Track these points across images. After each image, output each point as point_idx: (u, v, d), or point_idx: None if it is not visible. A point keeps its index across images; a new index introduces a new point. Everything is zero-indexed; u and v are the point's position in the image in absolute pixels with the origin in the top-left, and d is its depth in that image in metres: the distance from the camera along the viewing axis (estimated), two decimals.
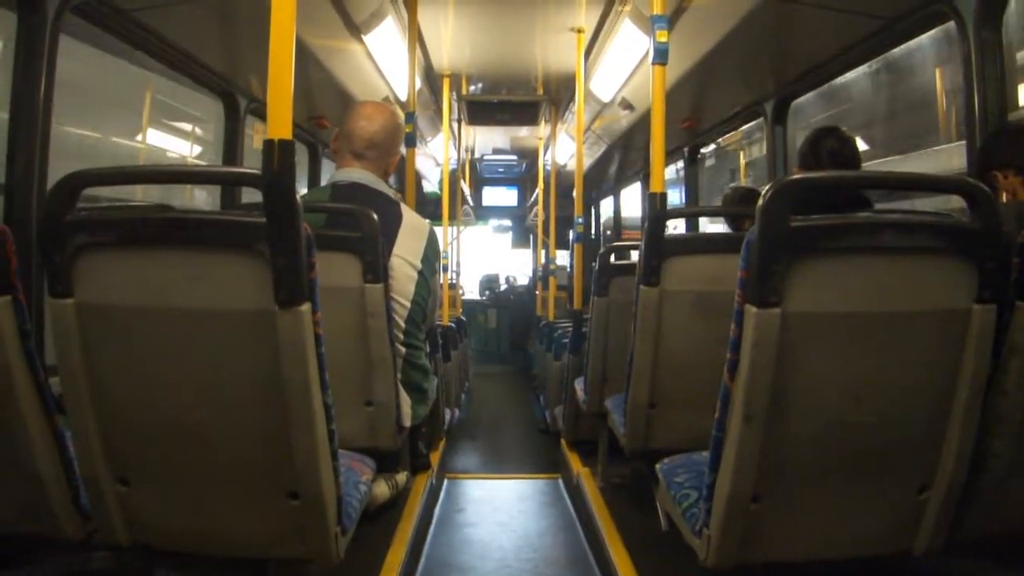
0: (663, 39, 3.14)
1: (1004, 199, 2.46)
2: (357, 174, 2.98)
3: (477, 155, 12.38)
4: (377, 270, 2.67)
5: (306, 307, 1.73)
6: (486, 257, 16.39)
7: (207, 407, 1.86)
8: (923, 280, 1.86)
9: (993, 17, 2.87)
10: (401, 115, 3.37)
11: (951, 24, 3.02)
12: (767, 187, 1.82)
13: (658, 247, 2.89)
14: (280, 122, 1.74)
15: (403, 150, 5.05)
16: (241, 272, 1.74)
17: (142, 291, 1.81)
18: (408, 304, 2.96)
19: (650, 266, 2.88)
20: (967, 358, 1.88)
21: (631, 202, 10.78)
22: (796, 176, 1.95)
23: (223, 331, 1.80)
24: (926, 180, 2.06)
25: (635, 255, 3.39)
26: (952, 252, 1.85)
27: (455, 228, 10.79)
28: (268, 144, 1.72)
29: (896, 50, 4.01)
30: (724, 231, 4.93)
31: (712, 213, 5.97)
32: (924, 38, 3.81)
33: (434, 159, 10.03)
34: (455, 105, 8.27)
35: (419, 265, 2.97)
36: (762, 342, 1.79)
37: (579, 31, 5.88)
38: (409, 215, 3.03)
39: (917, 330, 1.88)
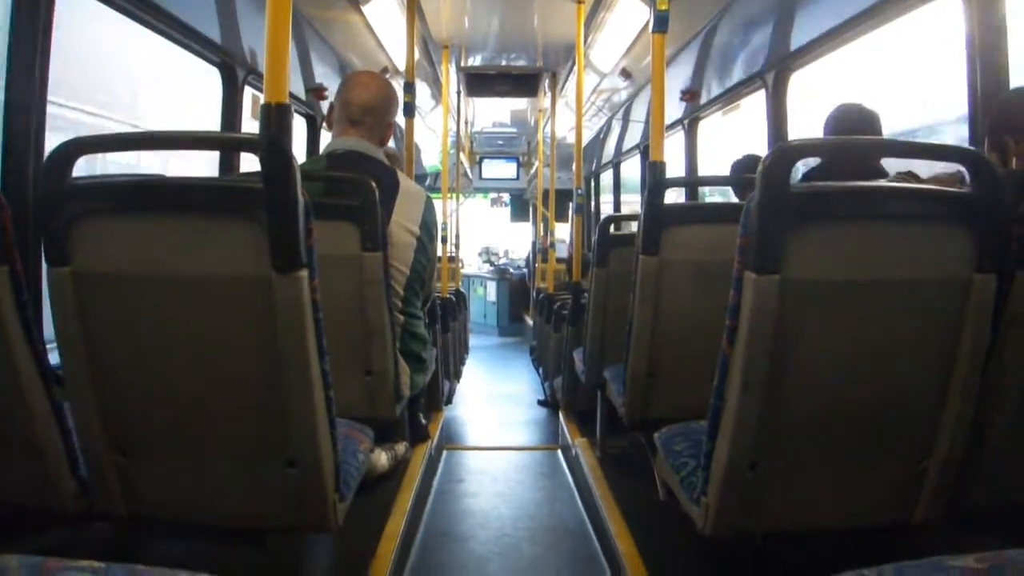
0: (664, 7, 3.12)
1: (1015, 164, 2.44)
2: (352, 141, 2.97)
3: (477, 128, 12.34)
4: (376, 238, 2.67)
5: (303, 273, 1.73)
6: (485, 231, 16.42)
7: (205, 374, 1.86)
8: (923, 249, 1.86)
9: None
10: (393, 83, 3.37)
11: None
12: (767, 154, 1.82)
13: (658, 217, 2.88)
14: (277, 86, 1.73)
15: (402, 121, 5.04)
16: (238, 238, 1.73)
17: (139, 258, 1.80)
18: (407, 271, 2.97)
19: (650, 236, 2.87)
20: (967, 328, 1.87)
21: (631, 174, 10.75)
22: (795, 141, 1.94)
23: (221, 298, 1.80)
24: (927, 148, 2.05)
25: (634, 226, 3.38)
26: (952, 221, 1.84)
27: (454, 200, 10.76)
28: (265, 108, 1.71)
29: None
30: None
31: (712, 183, 5.96)
32: None
33: (433, 131, 10.00)
34: (454, 76, 8.24)
35: (417, 231, 2.97)
36: (760, 309, 1.79)
37: (579, 1, 5.84)
38: (406, 182, 3.03)
39: (916, 299, 1.87)
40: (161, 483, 1.98)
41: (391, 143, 3.18)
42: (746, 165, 4.21)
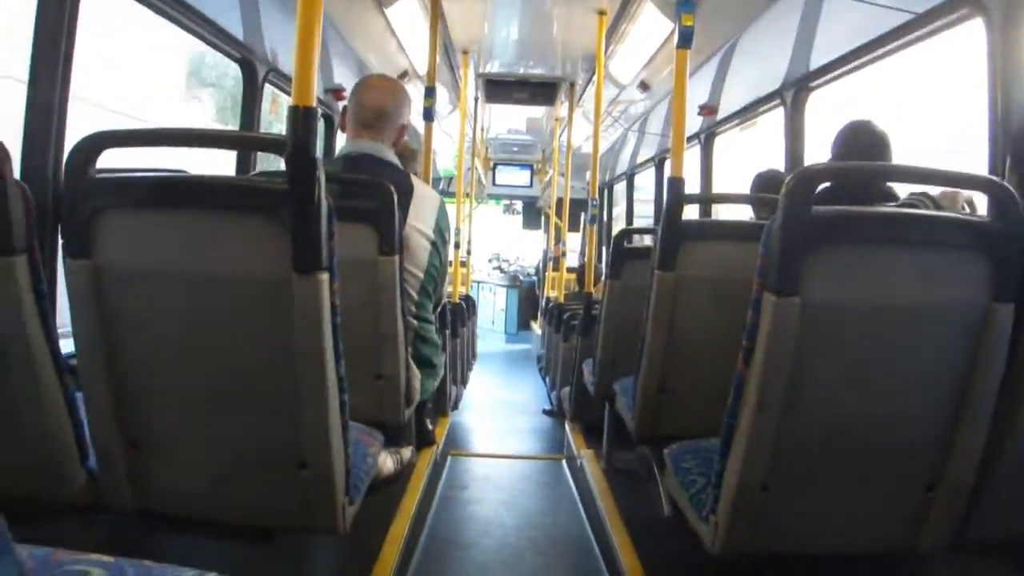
0: (688, 23, 3.12)
1: None
2: (366, 144, 2.97)
3: (492, 134, 12.35)
4: (392, 242, 2.66)
5: (324, 276, 1.73)
6: (497, 237, 16.44)
7: (220, 372, 1.87)
8: (942, 276, 1.86)
9: (1020, 14, 2.85)
10: (412, 87, 3.37)
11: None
12: (790, 176, 1.82)
13: (675, 232, 2.88)
14: (305, 90, 1.73)
15: (420, 125, 5.05)
16: (261, 238, 1.73)
17: (160, 254, 1.81)
18: (421, 275, 2.96)
19: (667, 251, 2.86)
20: (983, 356, 1.87)
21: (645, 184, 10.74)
22: (818, 165, 1.94)
23: (240, 297, 1.80)
24: (948, 176, 2.05)
25: (647, 239, 3.38)
26: (972, 249, 1.85)
27: (468, 206, 10.76)
28: (292, 111, 1.71)
29: None
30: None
31: (731, 200, 5.95)
32: None
33: (449, 136, 10.00)
34: (473, 82, 8.25)
35: (432, 235, 2.97)
36: (779, 331, 1.79)
37: (601, 13, 5.84)
38: (420, 185, 3.02)
39: (934, 325, 1.87)
40: (171, 478, 1.98)
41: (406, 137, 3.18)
42: (768, 180, 4.18)
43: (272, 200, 1.72)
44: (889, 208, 2.48)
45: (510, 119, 11.14)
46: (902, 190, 2.94)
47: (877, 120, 2.99)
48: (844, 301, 1.82)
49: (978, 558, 2.18)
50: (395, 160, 3.02)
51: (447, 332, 5.33)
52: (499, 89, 8.54)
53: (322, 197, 1.72)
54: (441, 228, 3.04)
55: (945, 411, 1.93)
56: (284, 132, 1.75)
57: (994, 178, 1.95)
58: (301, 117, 1.71)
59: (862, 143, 2.93)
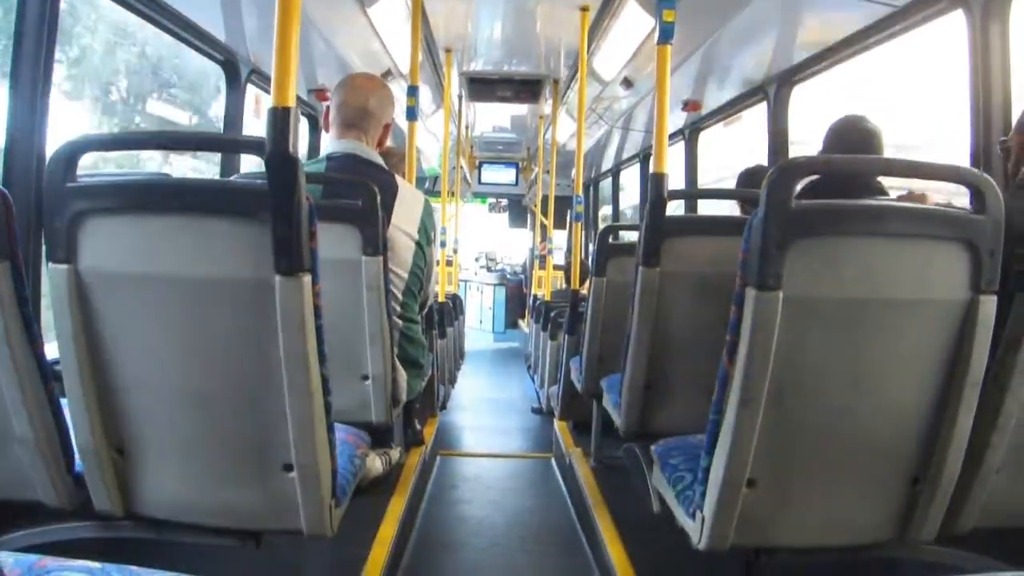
0: (670, 19, 3.12)
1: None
2: (350, 144, 2.96)
3: (477, 133, 12.33)
4: (376, 242, 2.66)
5: (306, 277, 1.73)
6: (483, 236, 16.44)
7: (204, 376, 1.86)
8: (924, 268, 1.86)
9: (1001, 7, 2.86)
10: (395, 86, 3.36)
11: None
12: (770, 171, 1.82)
13: (659, 228, 2.87)
14: (284, 91, 1.73)
15: (404, 125, 5.05)
16: (242, 241, 1.73)
17: (142, 258, 1.80)
18: (406, 275, 2.96)
19: (650, 247, 2.86)
20: (966, 348, 1.87)
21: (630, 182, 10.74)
22: (799, 158, 1.94)
23: (222, 300, 1.80)
24: (929, 168, 2.05)
25: (633, 235, 3.38)
26: (954, 241, 1.85)
27: (453, 205, 10.75)
28: (272, 112, 1.71)
29: None
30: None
31: (715, 195, 5.95)
32: None
33: (434, 135, 10.00)
34: (456, 80, 8.23)
35: (416, 235, 2.96)
36: (761, 325, 1.79)
37: (584, 9, 5.84)
38: (404, 185, 3.02)
39: (917, 318, 1.87)
40: (157, 483, 1.97)
41: (390, 140, 3.17)
42: (754, 175, 4.18)
43: (252, 202, 1.72)
44: (870, 201, 2.48)
45: (495, 117, 11.13)
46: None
47: (869, 115, 3.00)
48: (826, 295, 1.82)
49: (964, 550, 2.18)
50: (379, 160, 3.01)
51: (434, 331, 5.33)
52: (483, 87, 8.53)
53: (302, 198, 1.71)
54: (426, 228, 3.04)
55: (930, 404, 1.93)
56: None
57: (976, 171, 1.95)
58: (280, 118, 1.71)
59: (852, 138, 2.93)
